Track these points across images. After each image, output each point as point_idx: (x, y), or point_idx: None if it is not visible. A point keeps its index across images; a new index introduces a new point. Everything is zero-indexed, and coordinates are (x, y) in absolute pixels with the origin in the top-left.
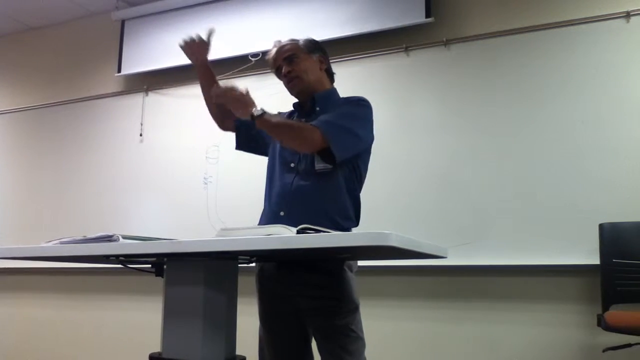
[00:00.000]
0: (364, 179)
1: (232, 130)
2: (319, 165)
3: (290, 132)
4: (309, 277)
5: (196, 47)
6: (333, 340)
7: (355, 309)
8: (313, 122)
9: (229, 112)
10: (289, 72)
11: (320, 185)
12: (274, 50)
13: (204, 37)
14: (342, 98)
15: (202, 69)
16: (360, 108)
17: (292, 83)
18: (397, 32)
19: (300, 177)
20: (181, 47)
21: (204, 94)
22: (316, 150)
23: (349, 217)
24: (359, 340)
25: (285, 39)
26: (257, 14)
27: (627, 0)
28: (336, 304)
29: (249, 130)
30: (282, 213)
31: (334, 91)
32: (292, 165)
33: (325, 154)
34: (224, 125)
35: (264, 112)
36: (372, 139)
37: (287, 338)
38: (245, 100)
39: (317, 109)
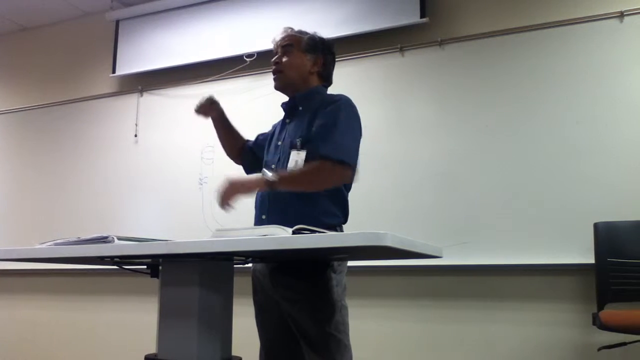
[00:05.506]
0: None
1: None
2: (291, 165)
3: (314, 179)
4: (287, 280)
5: (206, 108)
6: (310, 343)
7: (333, 312)
8: (320, 152)
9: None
10: (276, 63)
11: None
12: (280, 36)
13: (207, 99)
14: (326, 99)
15: (217, 122)
16: (351, 116)
17: (275, 76)
18: (392, 32)
19: None
20: (196, 112)
21: (221, 143)
22: (350, 180)
23: (332, 213)
24: (338, 342)
25: (297, 28)
26: (251, 14)
27: (621, 0)
28: (312, 308)
29: (254, 154)
30: (263, 216)
31: (317, 90)
32: (273, 167)
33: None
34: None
35: (276, 176)
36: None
37: (277, 335)
38: (249, 186)
39: (300, 108)
